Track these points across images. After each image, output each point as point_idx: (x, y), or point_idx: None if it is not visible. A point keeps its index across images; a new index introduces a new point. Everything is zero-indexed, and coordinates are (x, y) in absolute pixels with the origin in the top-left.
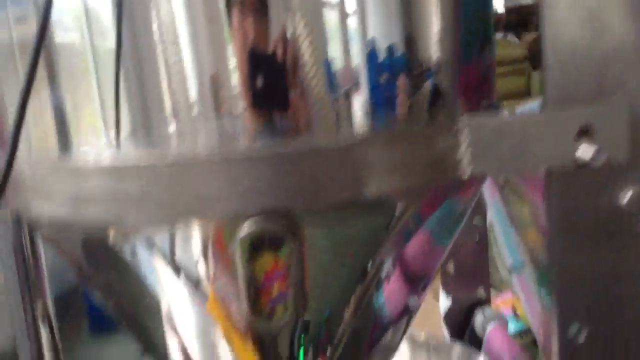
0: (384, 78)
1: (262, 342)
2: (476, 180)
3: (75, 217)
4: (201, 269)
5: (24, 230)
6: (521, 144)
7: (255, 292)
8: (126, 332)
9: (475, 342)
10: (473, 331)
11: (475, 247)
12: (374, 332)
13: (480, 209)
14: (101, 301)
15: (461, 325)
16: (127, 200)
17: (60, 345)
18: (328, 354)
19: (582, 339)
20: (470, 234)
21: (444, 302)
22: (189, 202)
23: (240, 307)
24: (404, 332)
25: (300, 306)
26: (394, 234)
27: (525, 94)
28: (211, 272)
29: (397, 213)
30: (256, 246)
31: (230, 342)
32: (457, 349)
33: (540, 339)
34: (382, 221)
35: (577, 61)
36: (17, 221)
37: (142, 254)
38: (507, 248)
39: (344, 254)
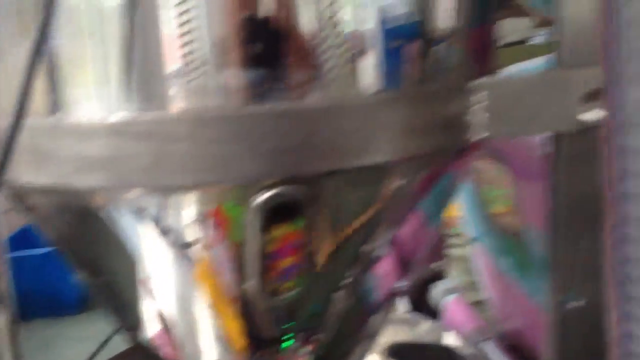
0: (398, 42)
1: (253, 313)
2: (477, 149)
3: (76, 183)
4: (193, 233)
5: None
6: (536, 105)
7: (265, 264)
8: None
9: (431, 314)
10: (427, 305)
11: None
12: (362, 316)
13: None
14: (81, 273)
15: (419, 299)
16: (129, 164)
17: None
18: (314, 334)
19: (575, 304)
20: None
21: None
22: (199, 166)
23: (237, 277)
24: (386, 318)
25: (305, 283)
26: (394, 209)
27: None
28: (206, 237)
29: (400, 184)
30: (273, 213)
31: (216, 310)
32: (424, 323)
33: (491, 297)
34: (385, 192)
35: (592, 24)
36: None
37: (128, 220)
38: (471, 219)
39: (348, 227)
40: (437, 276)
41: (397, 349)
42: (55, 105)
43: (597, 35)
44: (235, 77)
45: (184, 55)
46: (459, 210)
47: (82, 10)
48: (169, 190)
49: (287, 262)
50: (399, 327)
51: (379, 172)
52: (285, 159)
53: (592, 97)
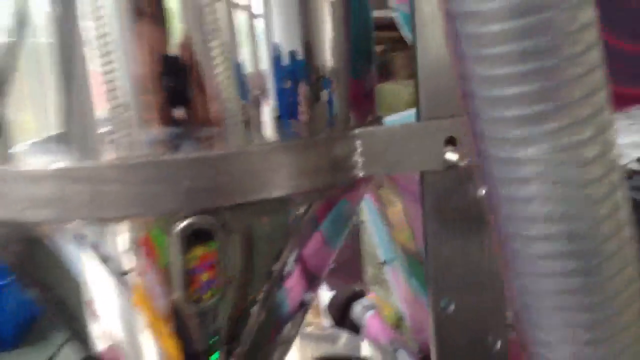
0: (288, 85)
1: (185, 329)
2: (364, 183)
3: (25, 218)
4: (129, 262)
5: None
6: (403, 150)
7: (187, 280)
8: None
9: (354, 329)
10: (351, 320)
11: (351, 246)
12: (277, 326)
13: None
14: (36, 297)
15: (342, 315)
16: (72, 202)
17: None
18: (236, 346)
19: (451, 310)
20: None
21: (326, 295)
22: (129, 202)
23: (168, 295)
24: (300, 326)
25: (222, 292)
26: (297, 232)
27: None
28: (139, 264)
29: (299, 212)
30: (191, 239)
31: (154, 330)
32: (344, 337)
33: (407, 317)
34: (288, 219)
35: (443, 76)
36: None
37: (71, 248)
38: (380, 244)
39: (259, 249)
40: (359, 294)
41: None
42: (7, 155)
43: (447, 89)
44: (154, 134)
45: (109, 101)
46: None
47: (22, 56)
48: (103, 221)
49: (205, 276)
50: (322, 342)
51: (280, 203)
52: (197, 195)
53: (450, 142)
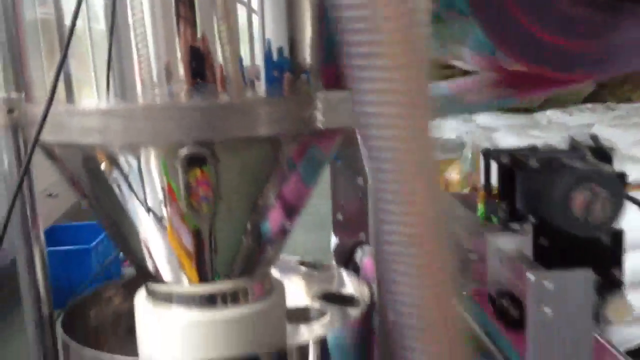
0: (276, 72)
1: (195, 234)
2: (327, 136)
3: (78, 142)
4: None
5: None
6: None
7: (189, 193)
8: None
9: (355, 270)
10: (355, 263)
11: (358, 202)
12: (262, 248)
13: (362, 171)
14: (101, 222)
15: (346, 259)
16: (111, 131)
17: None
18: (230, 257)
19: None
20: (354, 191)
21: (334, 242)
22: (149, 133)
23: (177, 205)
24: (281, 249)
25: (216, 209)
26: (278, 170)
27: None
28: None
29: (281, 153)
30: (190, 162)
31: (170, 236)
32: (342, 276)
33: None
34: (270, 156)
35: None
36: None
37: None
38: None
39: (245, 178)
40: (361, 243)
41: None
42: (73, 97)
43: None
44: (172, 88)
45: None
46: None
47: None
48: (131, 146)
49: (201, 191)
50: (324, 281)
51: (259, 142)
52: (194, 131)
53: None
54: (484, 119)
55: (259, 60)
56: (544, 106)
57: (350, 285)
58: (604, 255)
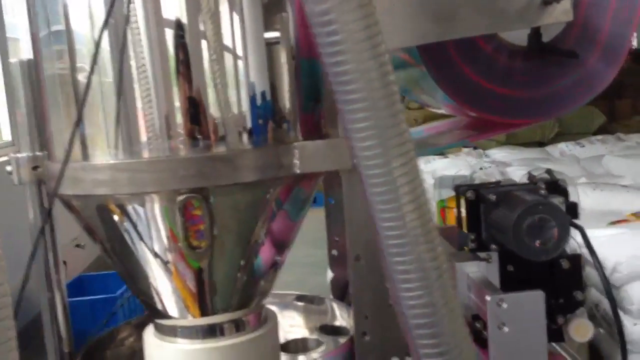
0: (261, 121)
1: (196, 273)
2: (307, 179)
3: (90, 193)
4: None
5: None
6: (322, 157)
7: (188, 234)
8: None
9: (349, 304)
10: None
11: None
12: (255, 281)
13: None
14: (113, 264)
15: (342, 291)
16: (118, 183)
17: None
18: (227, 292)
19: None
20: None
21: (330, 275)
22: (151, 183)
23: (177, 245)
24: (273, 282)
25: (213, 244)
26: (265, 210)
27: None
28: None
29: (267, 195)
30: (186, 207)
31: (174, 275)
32: (336, 309)
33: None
34: (258, 199)
35: None
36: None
37: (129, 220)
38: None
39: (236, 218)
40: None
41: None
42: (87, 154)
43: None
44: (172, 144)
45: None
46: None
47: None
48: (136, 195)
49: (199, 232)
50: (322, 314)
51: (250, 187)
52: (189, 179)
53: None
54: (497, 153)
55: (245, 107)
56: (556, 139)
57: (341, 318)
58: (565, 279)
